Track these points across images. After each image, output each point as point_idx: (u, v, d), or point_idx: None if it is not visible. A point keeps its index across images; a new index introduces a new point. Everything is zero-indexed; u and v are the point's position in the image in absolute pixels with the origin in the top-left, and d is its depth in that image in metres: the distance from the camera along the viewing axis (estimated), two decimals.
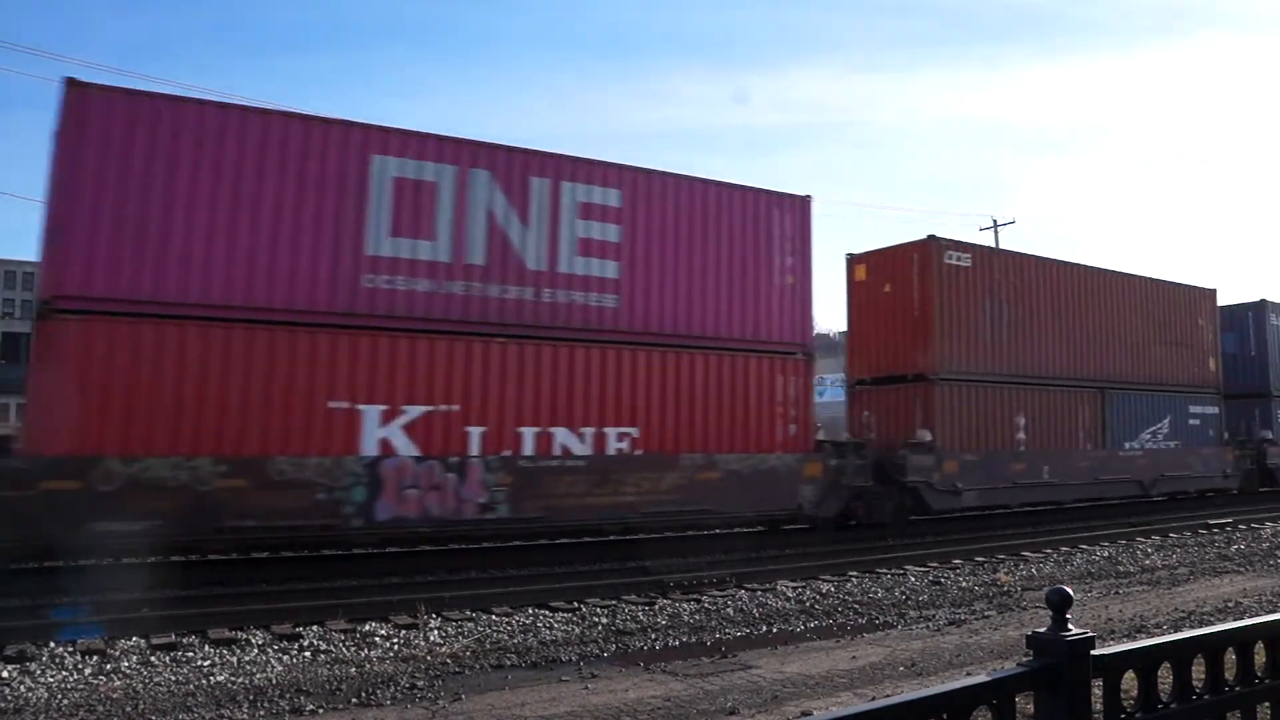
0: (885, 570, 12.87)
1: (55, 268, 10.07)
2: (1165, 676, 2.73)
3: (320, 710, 6.54)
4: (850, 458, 15.64)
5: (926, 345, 17.12)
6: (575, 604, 10.34)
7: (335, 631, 8.88)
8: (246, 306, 10.84)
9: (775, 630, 9.43)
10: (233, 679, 7.31)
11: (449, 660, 7.94)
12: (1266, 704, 2.96)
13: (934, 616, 9.96)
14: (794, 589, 11.45)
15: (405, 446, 11.52)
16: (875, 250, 18.56)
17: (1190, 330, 22.52)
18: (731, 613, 10.13)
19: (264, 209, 11.06)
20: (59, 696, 6.81)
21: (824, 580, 12.05)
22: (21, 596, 9.47)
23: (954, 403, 17.22)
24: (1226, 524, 18.41)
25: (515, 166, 12.70)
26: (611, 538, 13.43)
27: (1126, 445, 20.37)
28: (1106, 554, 14.64)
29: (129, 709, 6.51)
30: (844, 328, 20.16)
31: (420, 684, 7.13)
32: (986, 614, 10.00)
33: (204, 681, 7.24)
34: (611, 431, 12.96)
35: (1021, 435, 18.23)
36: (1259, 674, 2.95)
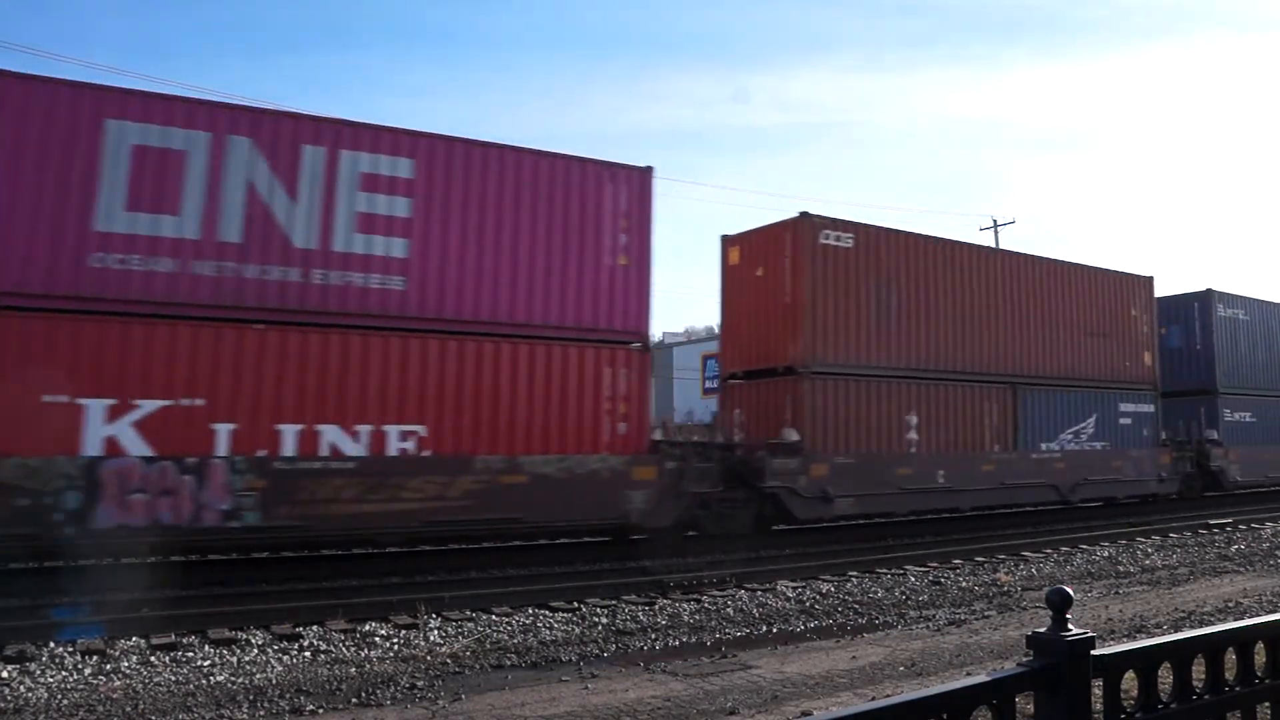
0: (885, 570, 12.90)
1: None
2: (1165, 677, 2.73)
3: (320, 710, 6.55)
4: (692, 460, 13.89)
5: (796, 335, 15.30)
6: (575, 604, 10.35)
7: (335, 631, 8.89)
8: None
9: (775, 630, 9.45)
10: (233, 679, 7.32)
11: (449, 660, 7.95)
12: (1266, 704, 2.96)
13: (934, 616, 9.96)
14: (794, 589, 11.46)
15: (136, 445, 10.10)
16: (750, 231, 16.67)
17: (1122, 321, 20.38)
18: (731, 613, 10.14)
19: None
20: (59, 697, 6.81)
21: (824, 580, 12.08)
22: (21, 596, 9.46)
23: (827, 399, 15.35)
24: (1226, 524, 18.45)
25: (283, 134, 11.34)
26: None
27: (1043, 447, 18.40)
28: (1107, 554, 14.66)
29: (129, 709, 6.51)
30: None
31: (420, 684, 7.13)
32: (986, 614, 10.01)
33: (204, 681, 7.25)
34: (393, 430, 11.48)
35: (914, 435, 16.34)
36: (1259, 674, 2.95)
